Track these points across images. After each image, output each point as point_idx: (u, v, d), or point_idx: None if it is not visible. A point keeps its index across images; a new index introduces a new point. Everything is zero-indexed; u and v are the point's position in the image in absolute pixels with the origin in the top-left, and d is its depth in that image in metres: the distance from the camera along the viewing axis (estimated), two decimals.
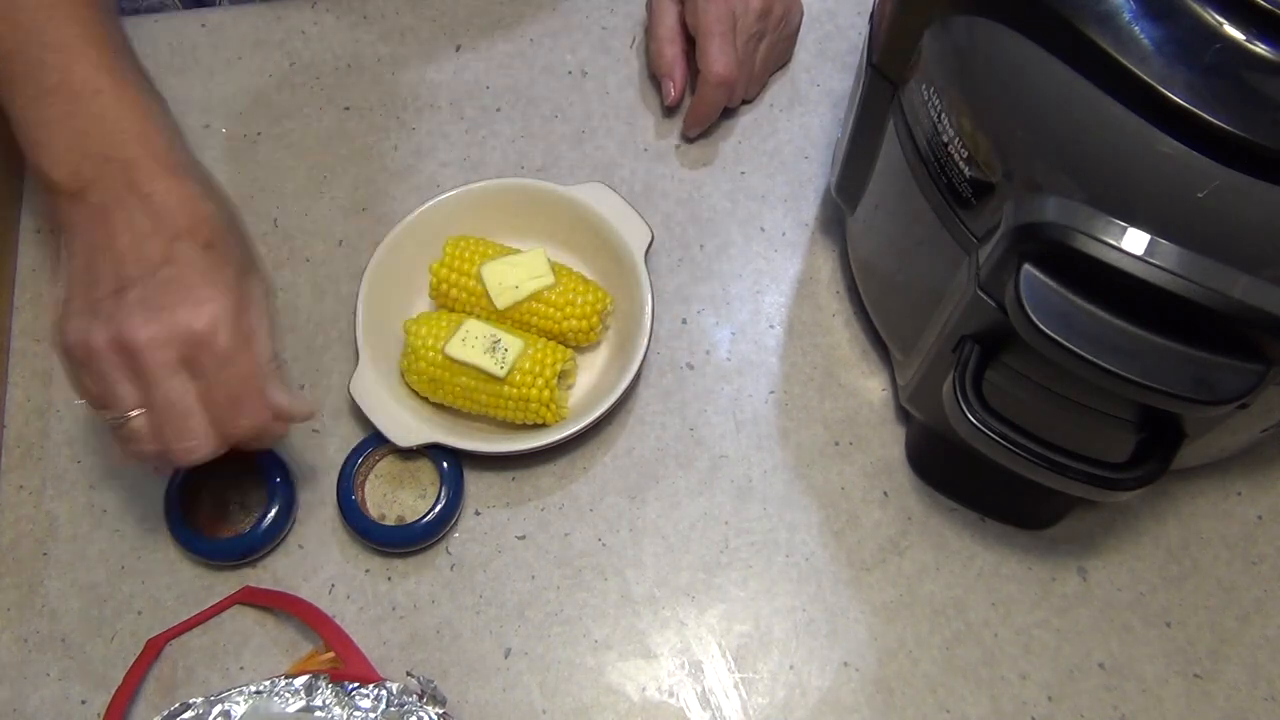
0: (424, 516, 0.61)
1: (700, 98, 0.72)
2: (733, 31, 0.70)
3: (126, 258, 0.51)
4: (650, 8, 0.75)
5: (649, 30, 0.76)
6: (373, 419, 0.62)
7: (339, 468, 0.63)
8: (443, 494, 0.62)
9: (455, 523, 0.63)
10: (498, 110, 0.76)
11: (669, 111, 0.76)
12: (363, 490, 0.63)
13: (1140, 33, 0.41)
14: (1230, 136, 0.39)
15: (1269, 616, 0.62)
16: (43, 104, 0.52)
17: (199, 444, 0.52)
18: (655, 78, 0.76)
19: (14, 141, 0.72)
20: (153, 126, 0.54)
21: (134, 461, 0.53)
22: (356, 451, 0.63)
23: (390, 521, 0.63)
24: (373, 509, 0.63)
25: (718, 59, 0.70)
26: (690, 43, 0.73)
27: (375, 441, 0.63)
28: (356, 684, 0.55)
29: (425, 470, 0.64)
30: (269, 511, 0.61)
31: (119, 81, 0.53)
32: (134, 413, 0.51)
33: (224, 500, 0.64)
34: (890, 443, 0.66)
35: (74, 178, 0.52)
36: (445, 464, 0.63)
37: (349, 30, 0.79)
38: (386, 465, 0.65)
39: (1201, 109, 0.39)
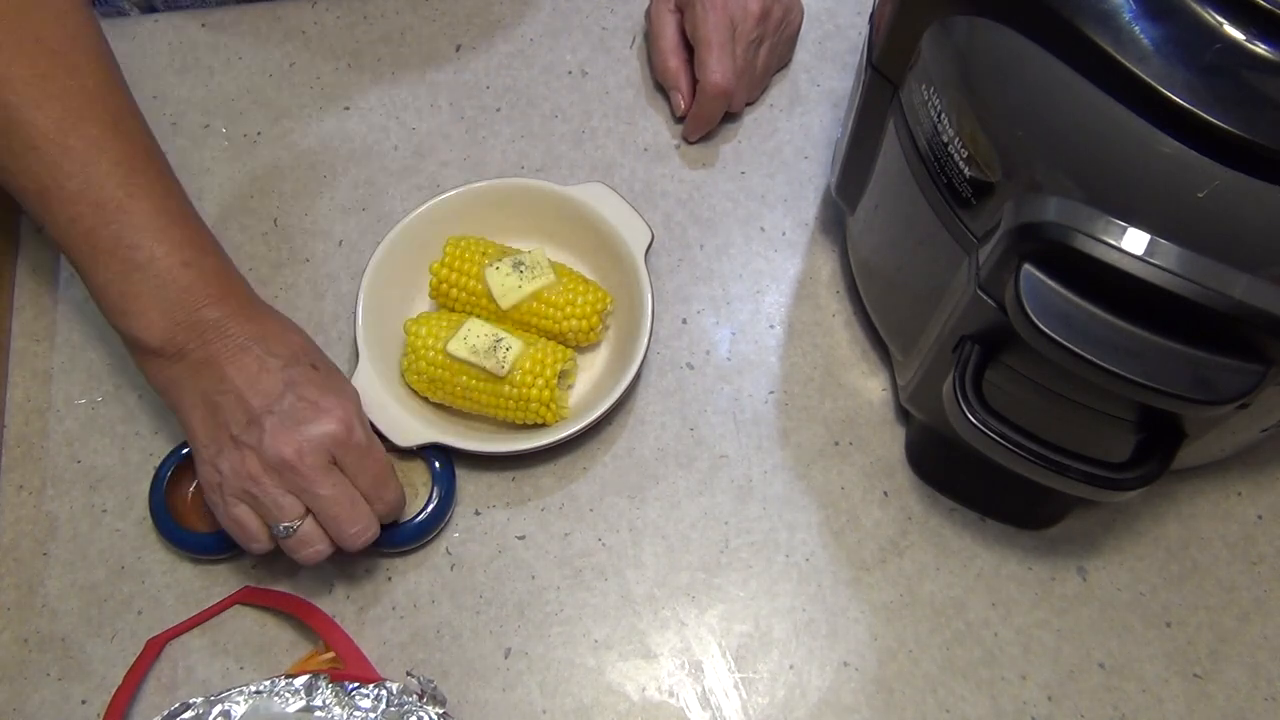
0: (415, 516, 0.61)
1: (699, 107, 0.72)
2: (731, 40, 0.70)
3: (248, 395, 0.55)
4: (650, 19, 0.75)
5: (651, 42, 0.76)
6: (373, 419, 0.62)
7: None
8: (434, 494, 0.62)
9: (448, 522, 0.63)
10: (498, 110, 0.76)
11: (678, 118, 0.76)
12: None
13: (1140, 33, 0.41)
14: (1230, 136, 0.39)
15: (1269, 616, 0.62)
16: (131, 280, 0.56)
17: (365, 526, 0.57)
18: (661, 88, 0.76)
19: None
20: (229, 286, 0.58)
21: (312, 563, 0.58)
22: None
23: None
24: None
25: (715, 70, 0.70)
26: (692, 51, 0.73)
27: None
28: (356, 684, 0.55)
29: (418, 470, 0.64)
30: None
31: (200, 252, 0.58)
32: (296, 522, 0.56)
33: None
34: (890, 443, 0.66)
35: (170, 343, 0.56)
36: (438, 464, 0.62)
37: (349, 30, 0.79)
38: None
39: (1201, 109, 0.39)
